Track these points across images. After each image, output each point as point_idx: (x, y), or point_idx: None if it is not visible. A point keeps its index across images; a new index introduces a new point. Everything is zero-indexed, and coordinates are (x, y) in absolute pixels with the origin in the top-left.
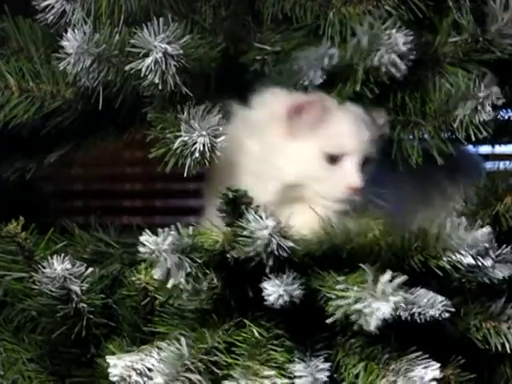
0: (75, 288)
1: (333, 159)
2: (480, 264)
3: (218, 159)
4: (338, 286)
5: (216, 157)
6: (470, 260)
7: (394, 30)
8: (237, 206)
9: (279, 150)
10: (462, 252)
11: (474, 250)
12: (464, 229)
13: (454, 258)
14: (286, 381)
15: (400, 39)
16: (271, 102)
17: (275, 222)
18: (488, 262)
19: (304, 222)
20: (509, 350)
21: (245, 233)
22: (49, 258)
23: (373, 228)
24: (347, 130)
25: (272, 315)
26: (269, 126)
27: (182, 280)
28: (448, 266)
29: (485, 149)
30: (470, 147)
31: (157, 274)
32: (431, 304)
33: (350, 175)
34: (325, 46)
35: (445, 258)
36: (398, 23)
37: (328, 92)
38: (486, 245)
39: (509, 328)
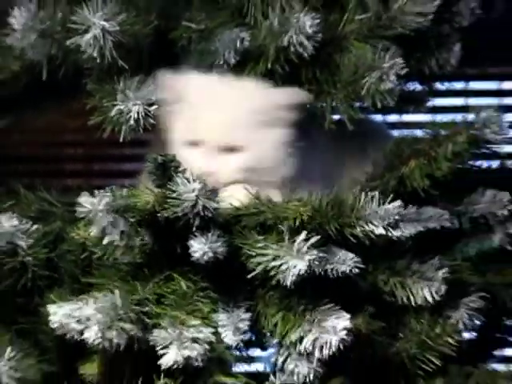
0: (21, 243)
1: (194, 144)
2: (390, 234)
3: (152, 127)
4: (258, 245)
5: (149, 124)
6: (381, 230)
7: (302, 14)
8: (166, 169)
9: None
10: (375, 223)
11: (385, 222)
12: (377, 202)
13: (366, 228)
14: (211, 329)
15: (307, 22)
16: (167, 83)
17: (201, 185)
18: (397, 233)
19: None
20: (413, 303)
21: (174, 195)
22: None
23: (301, 213)
24: (205, 117)
25: (199, 270)
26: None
27: (117, 237)
28: (361, 235)
29: (392, 118)
30: (379, 117)
31: (94, 231)
32: (343, 260)
33: (203, 161)
34: (237, 29)
35: (358, 228)
36: (306, 8)
37: (242, 70)
38: (397, 217)
39: (413, 283)
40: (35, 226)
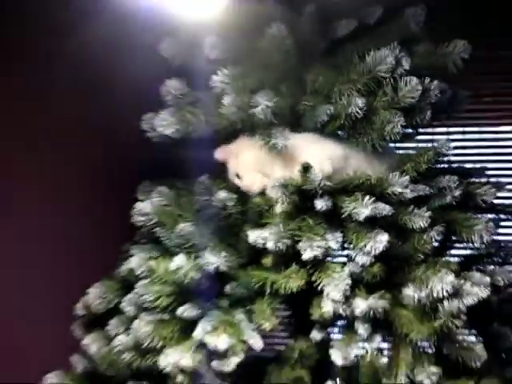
0: (229, 203)
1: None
2: (404, 192)
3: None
4: (345, 202)
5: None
6: (400, 189)
7: (356, 97)
8: (306, 169)
9: None
10: (396, 186)
11: (402, 185)
12: (397, 176)
13: (393, 189)
14: (324, 242)
15: (359, 101)
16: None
17: (322, 173)
18: (407, 190)
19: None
20: (417, 230)
21: (309, 179)
22: (218, 191)
23: (364, 185)
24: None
25: (317, 214)
26: None
27: (285, 199)
28: (390, 193)
29: (398, 145)
30: (392, 144)
31: (273, 196)
32: (384, 208)
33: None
34: (327, 104)
35: (389, 189)
36: (358, 94)
37: (328, 125)
38: (407, 183)
39: (415, 218)
40: (235, 195)
